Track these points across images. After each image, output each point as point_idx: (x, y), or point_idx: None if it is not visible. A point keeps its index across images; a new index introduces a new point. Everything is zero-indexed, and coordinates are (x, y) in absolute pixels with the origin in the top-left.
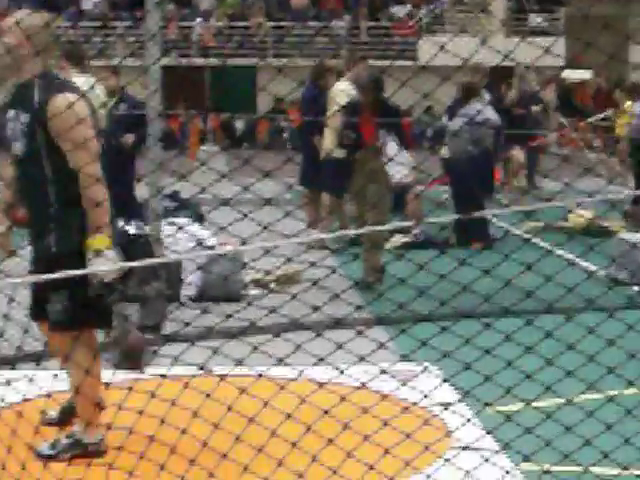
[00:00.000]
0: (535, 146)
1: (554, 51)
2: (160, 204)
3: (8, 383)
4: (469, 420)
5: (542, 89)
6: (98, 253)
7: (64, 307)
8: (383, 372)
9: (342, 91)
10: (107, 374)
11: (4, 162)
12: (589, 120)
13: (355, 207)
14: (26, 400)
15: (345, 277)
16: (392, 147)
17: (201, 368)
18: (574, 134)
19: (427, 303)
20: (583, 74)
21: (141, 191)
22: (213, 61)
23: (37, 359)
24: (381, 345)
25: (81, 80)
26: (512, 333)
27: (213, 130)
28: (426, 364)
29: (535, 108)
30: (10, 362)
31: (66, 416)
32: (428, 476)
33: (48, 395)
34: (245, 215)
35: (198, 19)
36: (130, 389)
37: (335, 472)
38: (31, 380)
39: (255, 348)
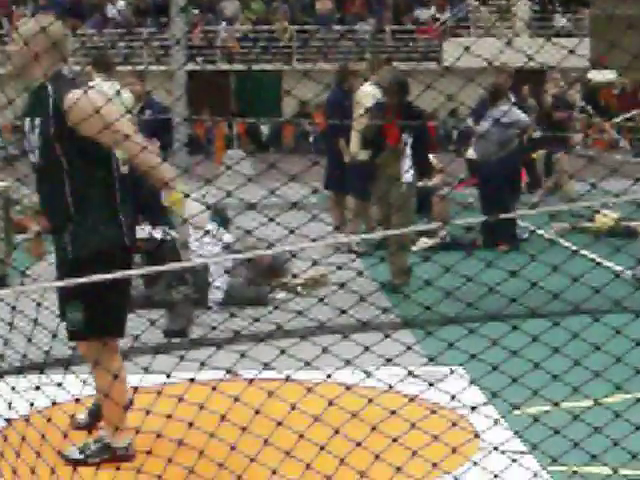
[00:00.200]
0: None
1: (579, 52)
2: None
3: (37, 388)
4: (497, 422)
5: (568, 90)
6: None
7: (79, 317)
8: (410, 374)
9: (368, 94)
10: (134, 379)
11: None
12: (615, 120)
13: (379, 210)
14: (55, 404)
15: (372, 280)
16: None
17: (228, 372)
18: (602, 135)
19: (454, 305)
20: (608, 75)
21: None
22: (238, 66)
23: (66, 364)
24: (408, 347)
25: (107, 85)
26: (539, 334)
27: (239, 135)
28: (453, 366)
29: (576, 114)
30: (39, 367)
31: (93, 419)
32: (456, 478)
33: (77, 400)
34: (271, 219)
35: (223, 24)
36: (158, 393)
37: (363, 475)
38: (60, 385)
39: (282, 351)
